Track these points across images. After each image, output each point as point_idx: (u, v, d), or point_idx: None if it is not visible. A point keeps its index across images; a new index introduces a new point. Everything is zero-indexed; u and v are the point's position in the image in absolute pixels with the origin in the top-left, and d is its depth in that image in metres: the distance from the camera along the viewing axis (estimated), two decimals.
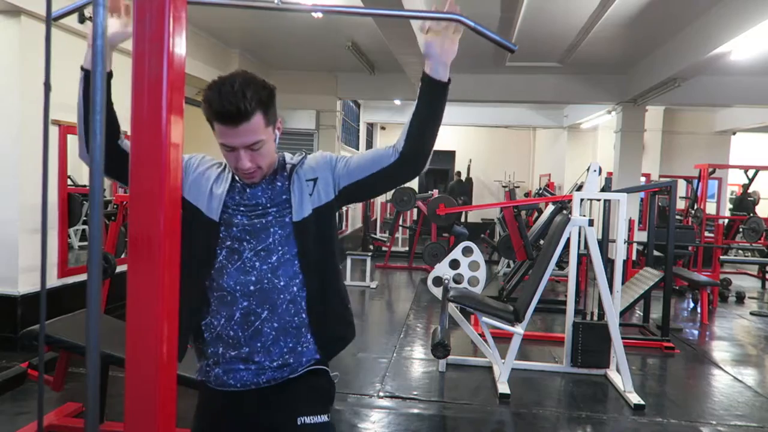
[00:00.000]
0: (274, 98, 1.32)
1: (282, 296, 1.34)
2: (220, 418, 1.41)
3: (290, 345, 1.37)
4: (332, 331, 1.42)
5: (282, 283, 1.34)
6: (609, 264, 4.47)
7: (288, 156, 1.45)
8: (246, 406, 1.38)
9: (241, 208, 1.37)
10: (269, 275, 1.33)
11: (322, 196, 1.38)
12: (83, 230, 7.46)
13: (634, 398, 3.66)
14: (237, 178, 1.39)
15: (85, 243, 5.68)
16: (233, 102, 1.21)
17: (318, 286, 1.37)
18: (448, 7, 1.21)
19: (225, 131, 1.25)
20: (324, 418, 1.37)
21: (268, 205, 1.36)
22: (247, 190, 1.38)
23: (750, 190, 9.53)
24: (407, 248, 9.96)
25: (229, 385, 1.36)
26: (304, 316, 1.37)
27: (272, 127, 1.33)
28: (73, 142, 4.38)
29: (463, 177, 14.37)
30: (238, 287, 1.33)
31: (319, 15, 5.66)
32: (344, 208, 9.78)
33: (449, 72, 1.28)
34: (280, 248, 1.35)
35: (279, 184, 1.39)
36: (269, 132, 1.31)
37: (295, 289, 1.35)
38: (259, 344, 1.34)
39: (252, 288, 1.33)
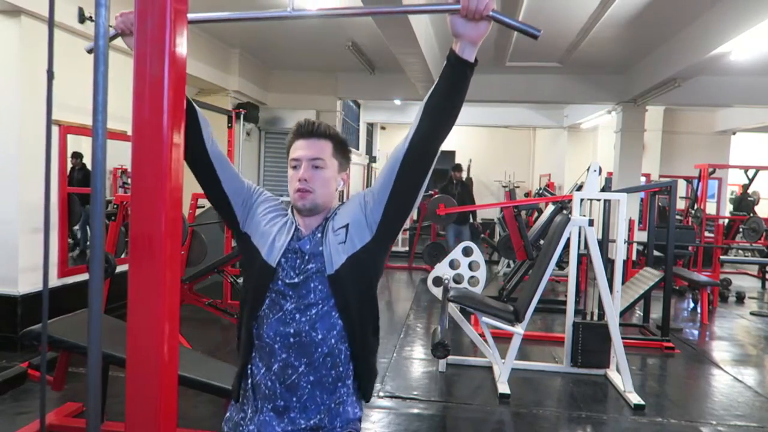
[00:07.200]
0: (347, 148, 1.46)
1: (319, 350, 1.34)
2: None
3: (326, 402, 1.36)
4: (371, 369, 1.44)
5: (320, 336, 1.34)
6: (609, 264, 4.47)
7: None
8: None
9: (290, 258, 1.38)
10: (307, 328, 1.33)
11: (355, 241, 1.36)
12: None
13: (634, 398, 3.66)
14: (296, 224, 1.41)
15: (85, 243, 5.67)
16: (313, 123, 1.42)
17: (359, 333, 1.37)
18: None
19: (298, 145, 1.40)
20: None
21: (308, 258, 1.36)
22: (299, 241, 1.38)
23: (750, 190, 9.53)
24: (407, 248, 9.96)
25: None
26: (341, 369, 1.36)
27: (337, 164, 1.42)
28: (73, 142, 4.37)
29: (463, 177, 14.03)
30: (278, 338, 1.34)
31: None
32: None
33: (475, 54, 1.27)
34: (319, 302, 1.35)
35: (318, 236, 1.38)
36: (333, 164, 1.41)
37: (333, 341, 1.35)
38: (294, 398, 1.34)
39: (291, 340, 1.34)
